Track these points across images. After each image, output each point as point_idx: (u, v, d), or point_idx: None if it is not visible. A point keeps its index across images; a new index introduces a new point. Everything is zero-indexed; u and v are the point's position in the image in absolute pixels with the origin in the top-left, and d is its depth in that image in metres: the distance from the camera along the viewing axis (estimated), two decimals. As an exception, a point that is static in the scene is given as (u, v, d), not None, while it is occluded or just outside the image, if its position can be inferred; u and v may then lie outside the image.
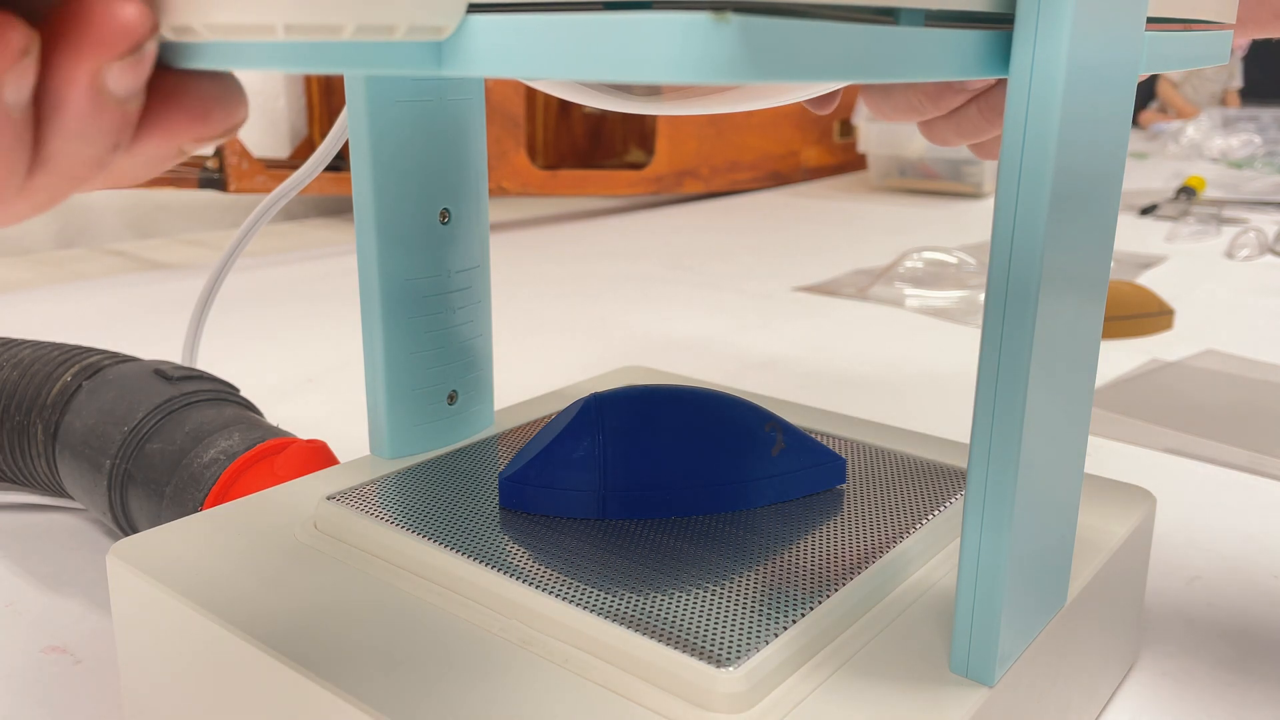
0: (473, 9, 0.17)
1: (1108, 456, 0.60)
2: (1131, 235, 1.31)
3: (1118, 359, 0.77)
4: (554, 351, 0.82)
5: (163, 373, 0.48)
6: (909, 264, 1.02)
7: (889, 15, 0.19)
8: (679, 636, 0.27)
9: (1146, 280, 1.05)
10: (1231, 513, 0.53)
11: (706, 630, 0.27)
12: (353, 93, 0.36)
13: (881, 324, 0.90)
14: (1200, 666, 0.39)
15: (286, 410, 0.65)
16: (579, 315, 0.93)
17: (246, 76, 1.39)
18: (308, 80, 1.54)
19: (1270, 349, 0.81)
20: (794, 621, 0.27)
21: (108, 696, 0.37)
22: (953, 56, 0.21)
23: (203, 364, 0.58)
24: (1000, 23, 0.23)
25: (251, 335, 0.86)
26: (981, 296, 0.96)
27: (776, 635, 0.27)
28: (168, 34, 0.17)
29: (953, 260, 1.02)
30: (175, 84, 0.18)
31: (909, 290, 0.99)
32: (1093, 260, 0.26)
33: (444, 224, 0.39)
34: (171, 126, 0.18)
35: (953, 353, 0.81)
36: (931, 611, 0.30)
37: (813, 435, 0.38)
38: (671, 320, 0.91)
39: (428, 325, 0.39)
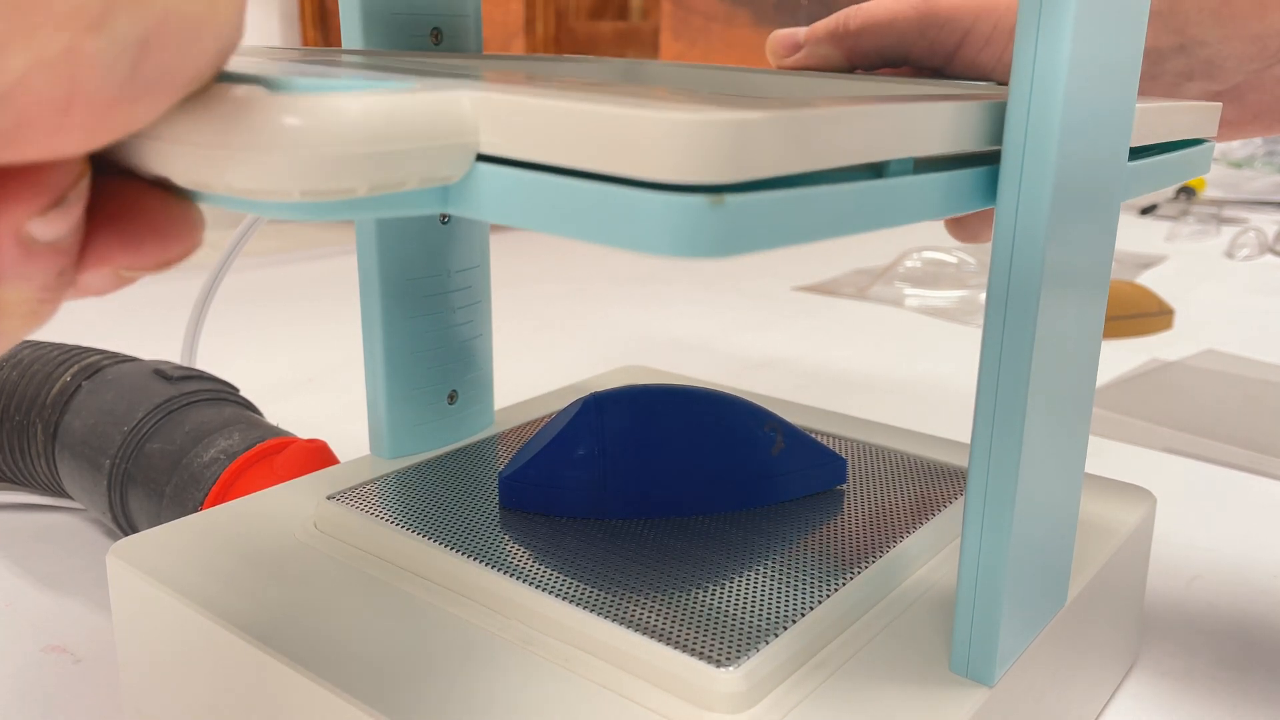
0: (481, 158, 0.17)
1: (1108, 456, 0.60)
2: (1131, 235, 1.31)
3: (1118, 359, 0.77)
4: (554, 351, 0.82)
5: (162, 372, 0.48)
6: (909, 264, 1.02)
7: (876, 169, 0.19)
8: (679, 636, 0.27)
9: (1146, 280, 1.05)
10: (1231, 513, 0.53)
11: (706, 630, 0.27)
12: (353, 93, 0.36)
13: (881, 324, 0.90)
14: (1200, 666, 0.39)
15: (286, 410, 0.65)
16: (579, 315, 0.93)
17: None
18: (308, 80, 1.54)
19: (1270, 349, 0.81)
20: (794, 621, 0.27)
21: (108, 696, 0.37)
22: (940, 197, 0.21)
23: (202, 364, 0.58)
24: (987, 160, 0.23)
25: (251, 335, 0.86)
26: (981, 296, 0.96)
27: (776, 635, 0.27)
28: (181, 183, 0.17)
29: (952, 260, 1.02)
30: (117, 203, 0.16)
31: (909, 290, 0.99)
32: (1094, 260, 0.26)
33: (444, 224, 0.39)
34: (103, 253, 0.16)
35: (953, 353, 0.81)
36: (931, 611, 0.30)
37: (813, 435, 0.38)
38: (671, 320, 0.91)
39: (428, 325, 0.39)
